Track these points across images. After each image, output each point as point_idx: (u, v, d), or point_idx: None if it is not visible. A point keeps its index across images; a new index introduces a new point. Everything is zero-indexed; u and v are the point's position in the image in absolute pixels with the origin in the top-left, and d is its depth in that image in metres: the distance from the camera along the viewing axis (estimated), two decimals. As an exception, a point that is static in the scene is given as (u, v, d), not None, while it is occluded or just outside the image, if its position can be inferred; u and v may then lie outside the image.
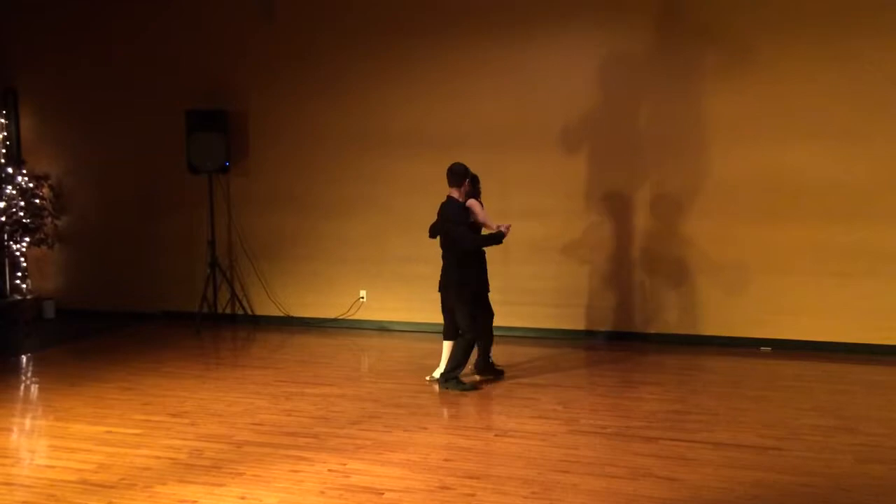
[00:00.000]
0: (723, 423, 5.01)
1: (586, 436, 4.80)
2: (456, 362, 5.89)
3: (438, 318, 8.04)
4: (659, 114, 7.33)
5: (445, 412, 5.38)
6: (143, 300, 9.00)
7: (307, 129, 8.40)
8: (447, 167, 5.97)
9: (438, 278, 6.09)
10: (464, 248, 5.86)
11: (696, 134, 7.24)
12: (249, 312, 8.73)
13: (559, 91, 7.61)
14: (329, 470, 4.28)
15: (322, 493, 3.98)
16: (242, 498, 3.93)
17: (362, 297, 8.36)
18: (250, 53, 8.53)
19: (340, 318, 8.39)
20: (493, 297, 7.82)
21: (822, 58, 6.87)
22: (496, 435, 4.84)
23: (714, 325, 7.29)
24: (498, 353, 7.33)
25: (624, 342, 7.43)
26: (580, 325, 7.66)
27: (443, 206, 6.01)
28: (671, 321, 7.40)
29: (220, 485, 4.10)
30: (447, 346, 6.11)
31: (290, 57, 8.40)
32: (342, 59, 8.23)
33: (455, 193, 5.97)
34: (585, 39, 7.54)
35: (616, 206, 7.50)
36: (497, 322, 7.83)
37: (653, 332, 7.45)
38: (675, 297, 7.39)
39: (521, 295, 7.76)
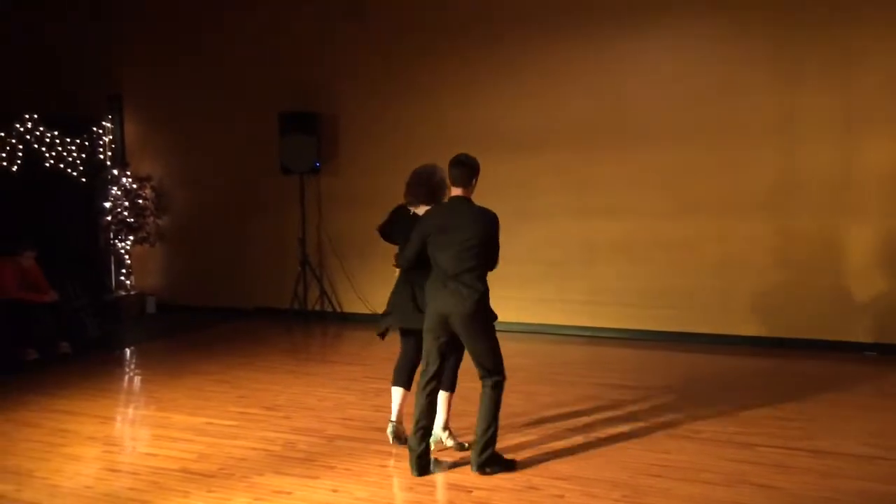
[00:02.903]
0: (824, 429, 4.80)
1: (681, 440, 4.68)
2: (496, 425, 4.29)
3: (522, 318, 8.10)
4: (750, 110, 7.08)
5: (533, 412, 5.34)
6: (237, 296, 9.31)
7: (395, 129, 8.51)
8: (455, 159, 4.43)
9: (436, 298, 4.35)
10: (491, 270, 4.41)
11: (789, 130, 6.96)
12: (338, 310, 8.90)
13: (645, 88, 7.46)
14: (418, 466, 4.30)
15: (410, 488, 4.03)
16: (335, 491, 4.02)
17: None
18: (340, 55, 8.71)
19: (426, 316, 8.44)
20: (576, 296, 7.83)
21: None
22: (585, 437, 4.78)
23: (815, 328, 6.97)
24: (586, 353, 7.26)
25: (720, 345, 7.19)
26: (669, 327, 7.48)
27: (474, 210, 4.37)
28: (766, 323, 7.14)
29: (314, 477, 4.19)
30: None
31: (379, 57, 8.54)
32: (430, 58, 8.30)
33: (465, 193, 4.41)
34: (677, 36, 7.37)
35: (695, 204, 7.30)
36: (583, 322, 7.81)
37: (750, 335, 7.19)
38: (772, 298, 7.12)
39: (607, 295, 7.64)
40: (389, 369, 6.60)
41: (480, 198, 8.01)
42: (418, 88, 8.36)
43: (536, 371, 6.50)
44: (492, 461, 4.20)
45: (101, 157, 9.34)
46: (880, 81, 6.66)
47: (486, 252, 4.27)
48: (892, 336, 6.72)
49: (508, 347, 7.31)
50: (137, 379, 6.72)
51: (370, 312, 8.73)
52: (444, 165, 8.14)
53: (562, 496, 3.88)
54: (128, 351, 7.69)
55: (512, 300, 8.09)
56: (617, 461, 4.34)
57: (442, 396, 4.52)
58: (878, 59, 6.66)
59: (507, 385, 5.96)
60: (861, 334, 6.84)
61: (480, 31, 8.06)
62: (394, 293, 4.82)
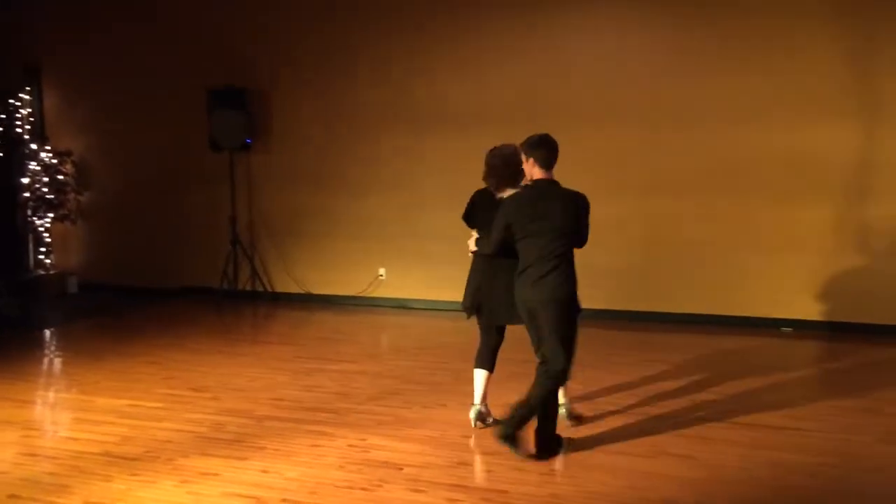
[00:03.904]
0: (741, 402, 4.98)
1: (605, 415, 4.79)
2: (533, 406, 4.12)
3: (457, 297, 8.09)
4: (680, 94, 7.22)
5: (464, 390, 5.37)
6: (164, 276, 9.07)
7: (329, 106, 8.38)
8: (540, 139, 4.19)
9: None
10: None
11: (711, 112, 7.14)
12: (269, 289, 8.78)
13: (587, 67, 7.52)
14: (349, 445, 4.31)
15: (341, 467, 4.02)
16: (264, 471, 3.98)
17: (381, 275, 8.38)
18: (273, 30, 8.50)
19: (360, 295, 8.42)
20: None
21: (841, 35, 6.74)
22: (515, 412, 4.84)
23: (734, 304, 7.22)
24: (516, 331, 7.35)
25: (639, 322, 7.37)
26: (600, 305, 7.62)
27: (563, 195, 4.16)
28: (690, 301, 7.35)
29: (242, 458, 4.15)
30: (483, 376, 4.57)
31: (313, 34, 8.37)
32: (365, 35, 8.18)
33: (550, 176, 4.18)
34: (615, 19, 7.45)
35: (635, 184, 7.43)
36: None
37: (670, 311, 7.40)
38: (695, 277, 7.33)
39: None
40: (321, 349, 6.64)
41: (422, 175, 8.08)
42: (353, 65, 8.24)
43: (468, 348, 6.51)
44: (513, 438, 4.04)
45: (19, 131, 8.93)
46: (810, 67, 6.85)
47: (577, 237, 4.16)
48: (808, 313, 7.01)
49: (447, 325, 7.47)
50: (58, 361, 6.50)
51: (302, 292, 8.64)
52: (380, 146, 8.22)
53: (491, 471, 3.94)
54: (47, 332, 7.42)
55: (446, 278, 8.11)
56: (545, 436, 4.41)
57: (482, 375, 4.56)
58: (812, 46, 6.85)
59: (439, 363, 6.06)
60: (778, 310, 7.10)
61: (421, 6, 7.99)
62: (486, 282, 4.52)
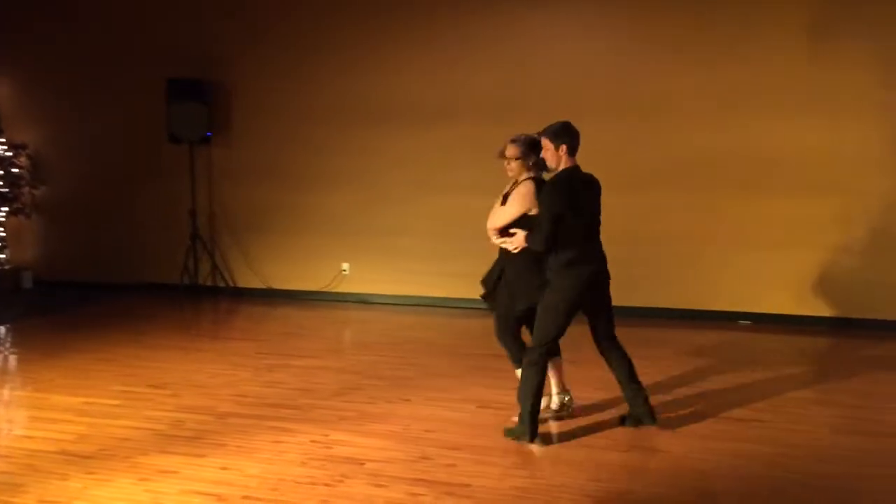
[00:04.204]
0: (704, 395, 5.05)
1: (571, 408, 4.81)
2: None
3: (422, 291, 8.13)
4: (651, 88, 7.27)
5: (428, 385, 5.37)
6: (122, 271, 8.91)
7: (292, 100, 8.29)
8: (573, 127, 4.36)
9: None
10: None
11: (684, 107, 7.21)
12: (231, 284, 8.67)
13: (552, 63, 7.52)
14: (311, 441, 4.27)
15: (304, 463, 3.98)
16: (224, 468, 3.92)
17: (345, 270, 8.33)
18: (235, 21, 8.38)
19: (323, 290, 8.35)
20: (474, 270, 7.88)
21: (807, 27, 6.86)
22: (478, 407, 4.85)
23: (694, 298, 7.32)
24: (482, 326, 7.35)
25: (617, 316, 7.40)
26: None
27: (591, 179, 4.45)
28: (650, 294, 7.43)
29: (202, 455, 4.08)
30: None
31: (276, 26, 8.27)
32: (329, 27, 8.10)
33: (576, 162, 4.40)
34: (580, 11, 7.48)
35: (608, 179, 7.44)
36: (478, 295, 7.87)
37: (632, 305, 7.46)
38: (654, 271, 7.41)
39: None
40: (284, 344, 6.57)
41: (385, 170, 8.03)
42: (317, 58, 8.16)
43: (432, 343, 6.54)
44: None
45: (-30, 122, 8.71)
46: (782, 62, 6.93)
47: (599, 219, 4.41)
48: (766, 306, 7.13)
49: (410, 320, 7.45)
50: (12, 358, 6.33)
51: (265, 287, 8.55)
52: (343, 140, 8.15)
53: (454, 465, 3.93)
54: (1, 329, 7.23)
55: (410, 273, 8.11)
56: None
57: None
58: (783, 42, 6.93)
59: (403, 358, 6.05)
60: (736, 304, 7.22)
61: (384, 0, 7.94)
62: (523, 269, 4.39)
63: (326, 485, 3.72)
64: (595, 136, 7.47)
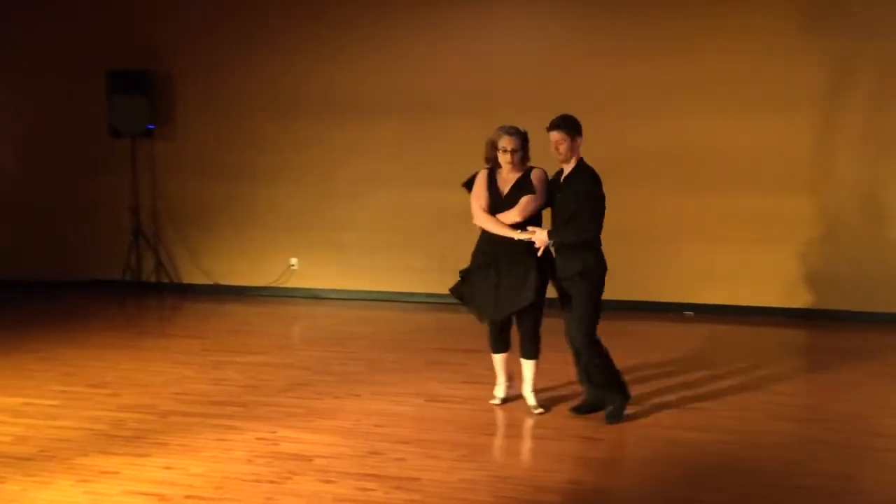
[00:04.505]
0: (645, 384, 5.14)
1: (516, 400, 4.85)
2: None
3: (371, 286, 8.09)
4: (583, 84, 7.35)
5: (377, 379, 5.36)
6: (63, 268, 8.65)
7: (239, 91, 8.15)
8: (577, 119, 4.50)
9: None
10: None
11: (622, 104, 7.32)
12: (175, 281, 8.50)
13: (500, 60, 7.55)
14: (257, 438, 4.23)
15: (249, 461, 3.94)
16: (167, 468, 3.85)
17: (293, 265, 8.25)
18: (178, 10, 8.20)
19: (271, 286, 8.26)
20: (424, 264, 7.91)
21: (747, 30, 7.02)
22: (427, 400, 4.86)
23: (639, 290, 7.44)
24: (432, 320, 7.37)
25: (551, 308, 7.50)
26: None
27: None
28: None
29: (144, 455, 4.00)
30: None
31: (222, 16, 8.12)
32: (278, 18, 7.99)
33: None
34: (521, 8, 7.52)
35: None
36: (430, 289, 7.90)
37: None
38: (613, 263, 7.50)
39: (455, 262, 7.75)
40: (230, 341, 6.48)
41: (333, 164, 7.97)
42: (263, 51, 8.03)
43: (382, 338, 6.53)
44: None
45: None
46: (721, 59, 7.07)
47: None
48: (708, 297, 7.29)
49: (360, 315, 7.42)
50: (-56, 359, 6.11)
51: (211, 283, 8.41)
52: (290, 133, 8.05)
53: (403, 459, 3.94)
54: (-67, 329, 6.97)
55: (359, 268, 8.07)
56: (457, 422, 4.44)
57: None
58: (722, 39, 7.06)
59: (352, 353, 6.02)
60: (679, 296, 7.37)
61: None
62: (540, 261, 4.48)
63: (272, 482, 3.69)
64: (540, 131, 7.58)
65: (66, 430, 4.36)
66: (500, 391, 4.78)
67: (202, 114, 8.27)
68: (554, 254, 4.41)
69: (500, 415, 4.60)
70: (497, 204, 4.51)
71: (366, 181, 7.97)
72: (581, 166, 4.41)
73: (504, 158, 4.48)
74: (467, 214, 7.58)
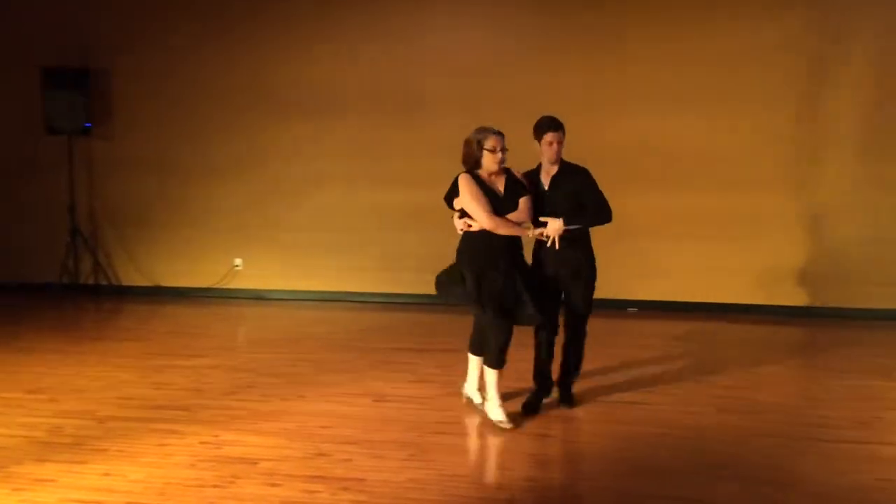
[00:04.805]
0: (594, 380, 5.18)
1: (464, 398, 4.85)
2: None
3: (319, 286, 7.99)
4: (537, 82, 7.41)
5: (324, 380, 5.28)
6: (-5, 271, 8.35)
7: (180, 88, 7.98)
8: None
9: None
10: None
11: (571, 102, 7.37)
12: (114, 283, 8.27)
13: (445, 60, 7.55)
14: (200, 442, 4.13)
15: (192, 465, 3.84)
16: (106, 475, 3.73)
17: (238, 265, 8.10)
18: (116, 5, 7.98)
19: (214, 286, 8.09)
20: (373, 263, 7.85)
21: (693, 29, 7.14)
22: (374, 401, 4.82)
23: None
24: (381, 320, 7.32)
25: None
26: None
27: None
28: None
29: (82, 462, 3.87)
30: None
31: (160, 11, 7.93)
32: (219, 13, 7.84)
33: None
34: (471, 6, 7.53)
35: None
36: (378, 288, 7.85)
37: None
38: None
39: (403, 261, 7.73)
40: (172, 344, 6.32)
41: (278, 161, 7.84)
42: (205, 46, 7.88)
43: (329, 338, 6.45)
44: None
45: None
46: (663, 59, 7.18)
47: None
48: (652, 294, 7.41)
49: (307, 316, 7.31)
50: None
51: (151, 285, 8.21)
52: (233, 130, 7.90)
53: (350, 460, 3.89)
54: None
55: (307, 268, 7.97)
56: (405, 422, 4.41)
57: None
58: (665, 39, 7.17)
59: (299, 354, 5.93)
60: (624, 292, 7.46)
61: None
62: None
63: (216, 486, 3.60)
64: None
65: (2, 438, 4.19)
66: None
67: (141, 111, 8.07)
68: (557, 245, 4.40)
69: (448, 413, 4.58)
70: (497, 207, 4.32)
71: (314, 179, 7.87)
72: (570, 164, 4.57)
73: (495, 159, 4.36)
74: (417, 213, 7.65)
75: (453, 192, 4.44)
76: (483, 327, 4.46)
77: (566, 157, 4.64)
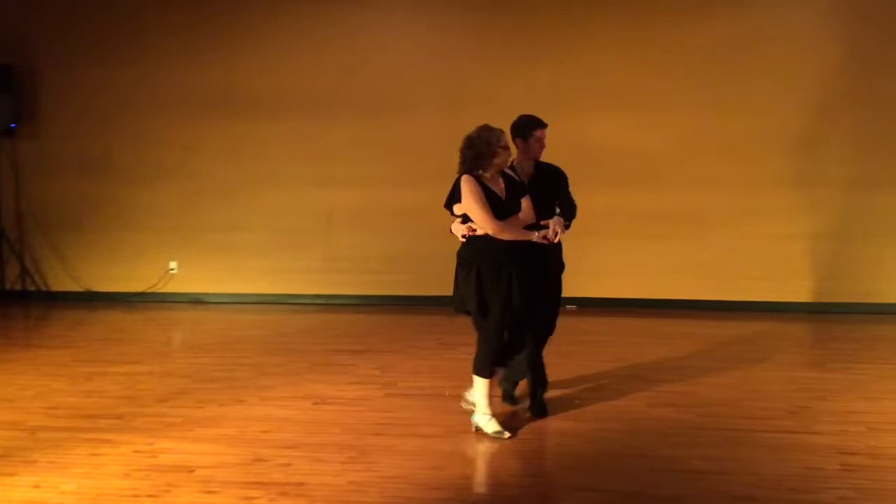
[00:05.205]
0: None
1: (404, 398, 4.86)
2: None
3: (257, 289, 7.88)
4: (475, 83, 7.46)
5: (263, 384, 5.22)
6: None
7: (110, 87, 7.80)
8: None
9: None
10: None
11: (509, 103, 7.43)
12: (43, 288, 8.01)
13: (380, 59, 7.56)
14: (135, 451, 4.03)
15: (126, 475, 3.75)
16: (36, 486, 3.62)
17: (173, 269, 7.93)
18: (42, 3, 7.73)
19: (149, 291, 7.91)
20: (312, 265, 7.80)
21: (628, 32, 7.29)
22: (314, 403, 4.79)
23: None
24: (322, 322, 7.28)
25: (444, 307, 7.55)
26: (402, 291, 7.73)
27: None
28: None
29: (11, 475, 3.74)
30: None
31: (87, 8, 7.72)
32: (151, 11, 7.66)
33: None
34: (412, 8, 7.54)
35: (440, 173, 7.57)
36: (319, 290, 7.79)
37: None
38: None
39: (343, 262, 7.70)
40: (104, 350, 6.17)
41: (214, 162, 7.70)
42: (136, 45, 7.71)
43: (268, 341, 6.39)
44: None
45: None
46: (596, 62, 7.31)
47: None
48: (589, 291, 7.53)
49: (246, 319, 7.21)
50: None
51: (82, 290, 7.98)
52: (167, 131, 7.73)
53: (289, 464, 3.85)
54: None
55: (244, 270, 7.86)
56: (344, 424, 4.40)
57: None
58: (598, 43, 7.31)
59: (237, 358, 5.85)
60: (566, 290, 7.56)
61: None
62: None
63: (151, 496, 3.52)
64: (420, 131, 7.61)
65: (-81, 453, 4.02)
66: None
67: (70, 110, 7.84)
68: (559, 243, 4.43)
69: (388, 415, 4.58)
70: (501, 209, 4.13)
71: (251, 180, 7.78)
72: (546, 163, 4.55)
73: (506, 157, 4.18)
74: (360, 214, 7.62)
75: (455, 197, 4.17)
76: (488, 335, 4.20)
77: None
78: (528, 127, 4.47)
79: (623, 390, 5.02)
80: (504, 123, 7.46)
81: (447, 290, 7.23)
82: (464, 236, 4.20)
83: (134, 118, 7.82)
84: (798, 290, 7.28)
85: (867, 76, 7.09)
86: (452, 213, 4.25)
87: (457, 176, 4.20)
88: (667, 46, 7.24)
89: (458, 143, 7.85)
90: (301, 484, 3.64)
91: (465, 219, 4.18)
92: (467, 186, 4.10)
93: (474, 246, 4.15)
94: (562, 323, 6.71)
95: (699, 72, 7.24)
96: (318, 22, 7.58)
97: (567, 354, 5.86)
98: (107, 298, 7.91)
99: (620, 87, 7.30)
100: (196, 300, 7.90)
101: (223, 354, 5.97)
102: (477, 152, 4.14)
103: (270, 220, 7.79)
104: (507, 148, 4.18)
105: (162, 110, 7.77)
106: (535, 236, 4.21)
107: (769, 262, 7.29)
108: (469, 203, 4.08)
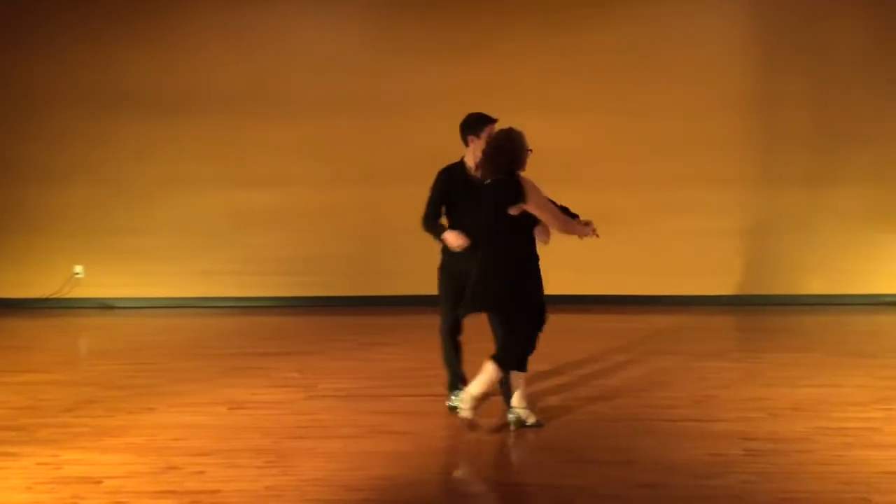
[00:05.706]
0: (443, 376, 5.27)
1: (323, 400, 4.82)
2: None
3: (168, 292, 7.65)
4: (395, 85, 7.46)
5: (175, 390, 5.08)
6: None
7: (13, 83, 7.43)
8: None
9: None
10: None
11: (425, 105, 7.49)
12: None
13: (298, 58, 7.49)
14: (37, 463, 3.85)
15: (29, 488, 3.58)
16: (-72, 506, 3.42)
17: (78, 273, 7.62)
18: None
19: (53, 297, 7.58)
20: (226, 267, 7.63)
21: (541, 35, 7.43)
22: (230, 409, 4.69)
23: (430, 285, 7.62)
24: (236, 325, 7.14)
25: (365, 306, 7.54)
26: (317, 292, 7.66)
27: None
28: (408, 284, 7.64)
29: None
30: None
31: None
32: (64, 8, 7.34)
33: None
34: (324, 7, 7.48)
35: (354, 173, 7.55)
36: (231, 293, 7.63)
37: (393, 294, 7.65)
38: (412, 261, 7.63)
39: (256, 264, 7.56)
40: (3, 359, 5.86)
41: (124, 163, 7.43)
42: (48, 40, 7.41)
43: (181, 346, 6.23)
44: None
45: None
46: (514, 64, 7.41)
47: None
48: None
49: (157, 324, 7.00)
50: None
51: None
52: (73, 129, 7.43)
53: (203, 472, 3.76)
54: None
55: (154, 274, 7.62)
56: (260, 428, 4.33)
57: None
58: (517, 44, 7.42)
59: (147, 364, 5.67)
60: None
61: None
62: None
63: (55, 510, 3.38)
64: (339, 131, 7.57)
65: None
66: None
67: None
68: None
69: (307, 417, 4.53)
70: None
71: (161, 181, 7.56)
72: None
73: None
74: (271, 215, 7.50)
75: (511, 199, 4.17)
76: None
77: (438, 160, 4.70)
78: (479, 125, 4.54)
79: (537, 385, 5.10)
80: (419, 123, 7.58)
81: (361, 290, 7.27)
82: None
83: (39, 119, 7.52)
84: (719, 284, 7.58)
85: (771, 76, 7.45)
86: (505, 215, 4.20)
87: (488, 180, 4.25)
88: (575, 50, 7.42)
89: (371, 143, 7.91)
90: (216, 491, 3.55)
91: (517, 219, 4.20)
92: (532, 186, 4.20)
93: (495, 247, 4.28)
94: (481, 320, 6.79)
95: (608, 74, 7.44)
96: (229, 18, 7.45)
97: (484, 352, 5.92)
98: (7, 305, 7.55)
99: (531, 89, 7.43)
100: (105, 305, 7.62)
101: (132, 361, 5.79)
102: (513, 155, 4.22)
103: (182, 221, 7.60)
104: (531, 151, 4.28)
105: (69, 111, 7.49)
106: (590, 231, 4.44)
107: (688, 256, 7.58)
108: (542, 201, 4.22)
